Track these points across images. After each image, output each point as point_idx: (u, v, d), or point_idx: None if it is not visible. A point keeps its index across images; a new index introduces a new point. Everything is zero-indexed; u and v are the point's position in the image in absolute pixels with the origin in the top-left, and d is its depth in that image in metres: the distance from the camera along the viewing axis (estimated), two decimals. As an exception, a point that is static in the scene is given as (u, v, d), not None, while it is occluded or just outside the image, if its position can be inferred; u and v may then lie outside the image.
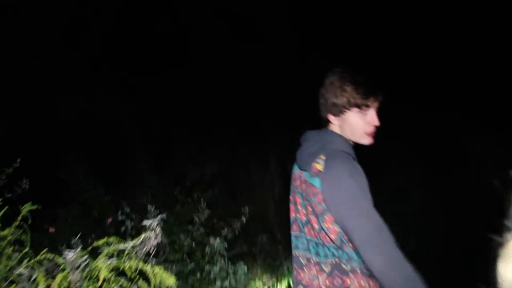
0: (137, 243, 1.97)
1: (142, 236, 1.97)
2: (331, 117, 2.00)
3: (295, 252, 2.02)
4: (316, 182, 1.87)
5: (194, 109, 6.31)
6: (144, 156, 5.87)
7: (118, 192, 5.04)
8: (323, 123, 2.04)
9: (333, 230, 1.85)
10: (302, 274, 1.98)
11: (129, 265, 1.93)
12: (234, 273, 3.61)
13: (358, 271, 1.87)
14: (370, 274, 1.84)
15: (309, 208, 1.92)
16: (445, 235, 5.94)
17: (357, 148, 2.03)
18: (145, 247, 1.97)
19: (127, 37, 6.26)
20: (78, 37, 6.18)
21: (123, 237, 3.64)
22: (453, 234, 5.93)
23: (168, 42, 6.08)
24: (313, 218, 1.91)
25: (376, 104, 1.98)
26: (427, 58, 6.68)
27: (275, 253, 4.62)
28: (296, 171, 2.04)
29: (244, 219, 3.48)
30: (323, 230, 1.87)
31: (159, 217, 2.02)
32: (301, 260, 1.98)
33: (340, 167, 1.82)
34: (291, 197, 2.08)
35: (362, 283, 1.87)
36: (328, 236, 1.87)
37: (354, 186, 1.78)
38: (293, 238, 2.04)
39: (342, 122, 1.99)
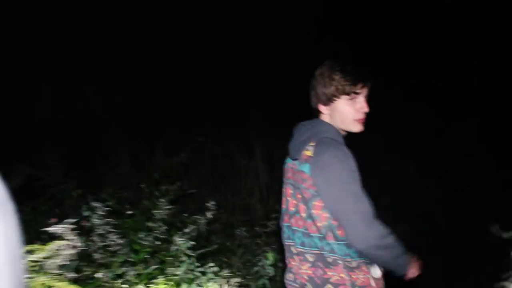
0: (50, 254, 1.65)
1: (51, 245, 1.66)
2: (321, 107, 2.05)
3: (286, 242, 2.09)
4: (306, 168, 1.93)
5: (174, 96, 5.99)
6: (120, 148, 5.58)
7: (91, 186, 4.75)
8: (314, 114, 2.09)
9: (322, 216, 1.91)
10: (292, 263, 2.04)
11: (37, 281, 1.62)
12: (204, 274, 3.31)
13: (340, 263, 1.92)
14: (351, 268, 1.92)
15: (299, 196, 1.97)
16: (440, 223, 5.73)
17: (350, 137, 2.07)
18: (60, 258, 1.66)
19: (95, 20, 5.93)
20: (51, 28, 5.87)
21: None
22: (448, 222, 5.73)
23: (141, 23, 5.73)
24: (301, 207, 1.97)
25: (365, 91, 2.04)
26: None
27: (256, 247, 4.33)
28: (289, 163, 2.10)
29: (209, 214, 3.16)
30: (311, 217, 1.93)
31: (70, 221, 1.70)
32: (292, 249, 2.04)
33: (330, 152, 1.88)
34: (283, 190, 2.12)
35: (342, 275, 1.92)
36: (315, 225, 1.92)
37: (343, 169, 1.85)
38: (284, 229, 2.09)
39: (332, 111, 2.04)
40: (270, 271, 3.58)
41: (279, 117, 5.92)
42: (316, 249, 1.94)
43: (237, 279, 3.15)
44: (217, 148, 5.88)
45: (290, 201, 2.04)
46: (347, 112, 2.02)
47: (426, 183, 6.36)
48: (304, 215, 1.96)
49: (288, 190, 2.06)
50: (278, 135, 6.02)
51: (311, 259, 1.96)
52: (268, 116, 5.64)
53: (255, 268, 3.63)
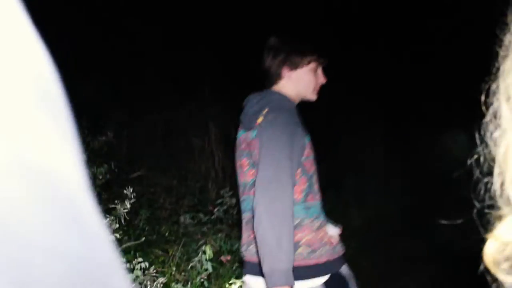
0: None
1: None
2: (285, 73, 2.09)
3: (243, 216, 2.11)
4: (255, 133, 1.99)
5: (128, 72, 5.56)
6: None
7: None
8: (267, 84, 2.13)
9: None
10: (248, 232, 2.05)
11: None
12: (133, 270, 2.99)
13: (305, 223, 1.96)
14: (317, 227, 1.98)
15: (247, 162, 2.04)
16: (404, 201, 5.53)
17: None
18: None
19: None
20: None
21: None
22: (413, 200, 5.53)
23: None
24: (249, 171, 2.02)
25: (324, 64, 2.17)
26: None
27: (201, 236, 4.02)
28: (241, 135, 2.11)
29: (128, 204, 2.81)
30: None
31: None
32: (246, 222, 2.07)
33: (278, 118, 1.94)
34: (237, 163, 2.12)
35: (310, 236, 1.96)
36: None
37: (282, 137, 1.89)
38: (244, 202, 2.09)
39: (296, 78, 2.09)
40: (209, 267, 3.26)
41: (236, 96, 5.57)
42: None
43: (163, 279, 2.83)
44: (169, 127, 5.51)
45: (247, 172, 2.05)
46: (310, 81, 2.10)
47: (393, 164, 6.13)
48: (252, 179, 1.99)
49: (244, 161, 2.07)
50: (235, 115, 5.70)
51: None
52: (225, 95, 5.27)
53: (192, 263, 3.31)
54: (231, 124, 5.50)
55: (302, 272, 1.91)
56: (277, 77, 2.10)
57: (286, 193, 1.85)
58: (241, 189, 2.12)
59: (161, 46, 5.58)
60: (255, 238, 1.89)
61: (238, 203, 4.19)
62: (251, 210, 1.94)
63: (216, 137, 5.54)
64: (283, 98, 2.07)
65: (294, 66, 2.09)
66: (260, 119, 1.99)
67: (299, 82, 2.10)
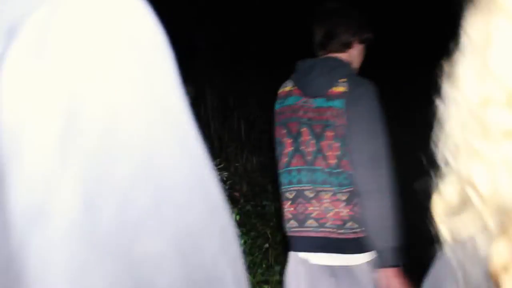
0: None
1: None
2: (355, 44, 2.06)
3: (297, 186, 2.01)
4: (339, 103, 1.92)
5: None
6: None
7: None
8: (328, 48, 2.04)
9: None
10: (310, 208, 1.97)
11: None
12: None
13: None
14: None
15: (329, 134, 1.93)
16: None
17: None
18: None
19: None
20: None
21: None
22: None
23: None
24: (333, 145, 1.92)
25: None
26: None
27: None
28: (297, 101, 2.02)
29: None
30: (346, 155, 1.90)
31: None
32: (307, 193, 1.98)
33: (368, 87, 1.93)
34: (285, 131, 2.04)
35: None
36: (350, 161, 1.90)
37: (378, 107, 1.91)
38: (293, 173, 2.02)
39: (358, 52, 2.08)
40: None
41: (235, 60, 5.35)
42: (348, 186, 1.91)
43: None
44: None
45: (309, 141, 1.98)
46: (362, 58, 2.12)
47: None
48: (337, 153, 1.92)
49: (303, 130, 1.99)
50: (234, 81, 5.41)
51: (344, 198, 1.92)
52: (222, 60, 5.03)
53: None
54: (228, 91, 5.31)
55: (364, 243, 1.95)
56: (346, 46, 2.05)
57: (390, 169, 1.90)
58: (292, 158, 2.04)
59: (158, 3, 4.89)
60: (318, 214, 1.95)
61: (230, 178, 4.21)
62: (311, 183, 1.96)
63: (213, 104, 5.23)
64: (352, 68, 2.05)
65: (362, 41, 2.09)
66: (340, 89, 1.94)
67: (359, 57, 2.11)
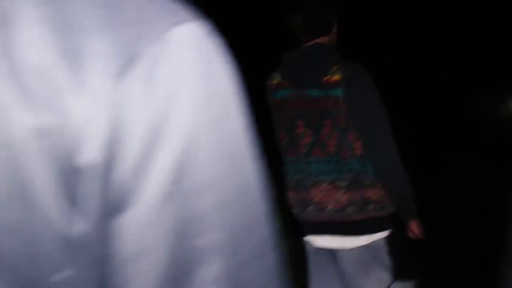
0: None
1: None
2: (334, 28, 2.05)
3: (295, 176, 2.03)
4: (337, 92, 1.89)
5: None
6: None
7: None
8: (309, 34, 2.00)
9: (358, 140, 1.93)
10: (312, 194, 1.99)
11: None
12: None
13: (376, 184, 1.95)
14: (382, 186, 1.96)
15: (327, 123, 1.92)
16: None
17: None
18: None
19: None
20: None
21: None
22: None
23: None
24: (332, 133, 1.92)
25: None
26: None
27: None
28: (289, 94, 2.00)
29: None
30: (346, 143, 1.91)
31: None
32: (306, 182, 2.00)
33: (363, 72, 1.93)
34: (279, 122, 2.06)
35: (380, 194, 1.96)
36: (352, 149, 1.92)
37: (376, 88, 1.92)
38: (289, 164, 2.05)
39: (335, 35, 2.07)
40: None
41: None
42: (349, 173, 1.94)
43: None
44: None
45: (304, 132, 1.98)
46: (336, 38, 2.11)
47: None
48: (336, 141, 1.93)
49: (298, 121, 1.99)
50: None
51: (344, 185, 1.95)
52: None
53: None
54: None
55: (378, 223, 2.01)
56: (329, 29, 2.03)
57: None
58: (287, 149, 2.07)
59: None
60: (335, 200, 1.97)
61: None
62: (319, 174, 1.98)
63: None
64: (337, 52, 2.02)
65: (336, 22, 2.07)
66: (335, 77, 1.91)
67: (335, 37, 2.09)
